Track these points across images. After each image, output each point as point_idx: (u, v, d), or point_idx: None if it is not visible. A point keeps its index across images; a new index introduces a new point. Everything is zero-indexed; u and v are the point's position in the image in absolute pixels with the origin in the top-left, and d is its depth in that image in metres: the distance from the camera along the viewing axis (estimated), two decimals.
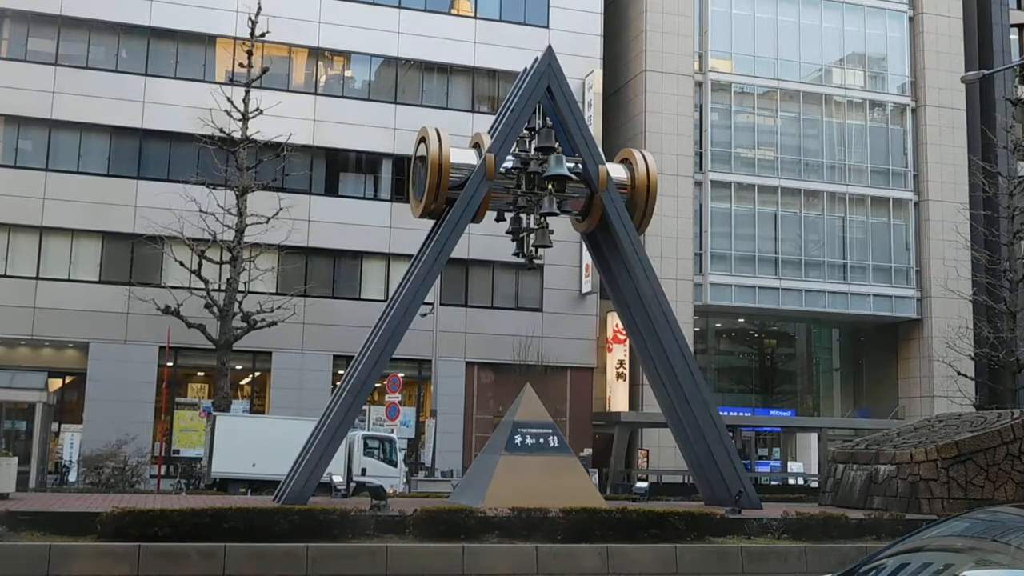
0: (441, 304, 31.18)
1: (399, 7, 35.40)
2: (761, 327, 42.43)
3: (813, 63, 39.65)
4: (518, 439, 16.38)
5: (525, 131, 17.51)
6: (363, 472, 25.66)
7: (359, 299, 33.38)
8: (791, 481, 35.33)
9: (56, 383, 31.95)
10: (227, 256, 28.03)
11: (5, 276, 31.17)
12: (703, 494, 18.37)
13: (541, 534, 13.49)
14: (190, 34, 33.38)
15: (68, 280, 31.57)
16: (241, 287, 28.02)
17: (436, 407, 30.72)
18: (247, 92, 28.46)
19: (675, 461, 33.08)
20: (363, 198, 34.74)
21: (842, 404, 42.20)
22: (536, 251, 17.84)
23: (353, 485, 23.27)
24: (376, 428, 31.09)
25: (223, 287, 27.87)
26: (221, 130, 28.30)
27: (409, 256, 20.84)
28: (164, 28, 33.08)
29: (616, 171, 18.16)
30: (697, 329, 38.08)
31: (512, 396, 19.60)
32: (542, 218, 17.36)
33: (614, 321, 34.77)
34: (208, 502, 14.06)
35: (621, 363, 36.27)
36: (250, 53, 28.84)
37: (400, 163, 33.87)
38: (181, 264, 28.30)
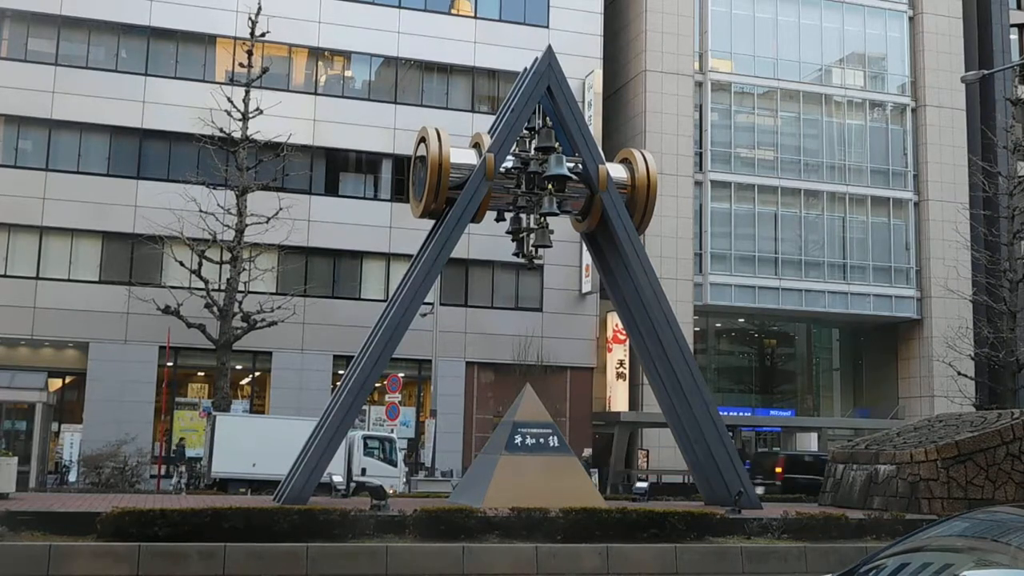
0: (441, 304, 31.18)
1: (399, 7, 35.40)
2: (761, 327, 42.43)
3: (813, 63, 39.66)
4: (518, 439, 16.37)
5: (525, 131, 17.50)
6: (363, 472, 25.65)
7: (359, 299, 33.39)
8: None
9: (56, 383, 31.96)
10: (227, 256, 28.04)
11: (5, 276, 31.17)
12: (703, 494, 18.37)
13: (541, 534, 13.48)
14: (190, 34, 33.38)
15: (68, 280, 31.57)
16: (241, 287, 28.02)
17: (436, 407, 30.73)
18: (247, 92, 28.46)
19: (675, 461, 33.09)
20: (363, 198, 34.74)
21: (842, 404, 42.20)
22: (536, 251, 17.83)
23: (353, 485, 23.29)
24: (376, 428, 31.08)
25: (223, 287, 27.88)
26: (221, 130, 28.31)
27: (409, 256, 20.84)
28: (164, 28, 33.08)
29: (616, 171, 18.16)
30: (697, 329, 38.08)
31: (512, 396, 19.59)
32: (542, 218, 17.36)
33: (614, 321, 34.77)
34: (208, 502, 14.06)
35: (621, 363, 36.27)
36: (250, 53, 28.84)
37: (400, 163, 33.87)
38: (181, 264, 28.31)
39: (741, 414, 39.18)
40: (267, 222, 28.18)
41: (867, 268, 38.84)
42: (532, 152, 17.26)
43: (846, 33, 40.04)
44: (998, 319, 31.72)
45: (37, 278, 31.35)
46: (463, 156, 17.22)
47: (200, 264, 27.55)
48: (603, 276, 19.49)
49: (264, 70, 29.71)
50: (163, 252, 29.76)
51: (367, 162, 35.35)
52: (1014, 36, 43.40)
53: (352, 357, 18.22)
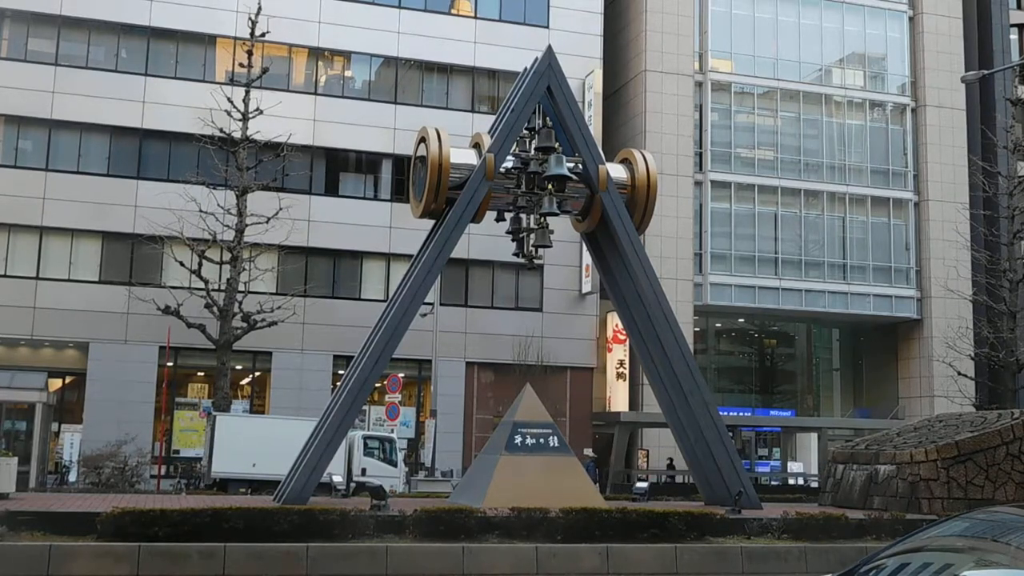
0: (441, 304, 31.18)
1: (399, 7, 35.40)
2: (761, 327, 42.43)
3: (813, 63, 39.65)
4: (518, 439, 16.37)
5: (525, 131, 17.50)
6: (363, 472, 25.67)
7: (359, 299, 33.38)
8: (791, 481, 35.30)
9: (56, 383, 31.96)
10: (227, 256, 28.04)
11: (5, 276, 31.17)
12: (703, 494, 18.37)
13: (541, 534, 13.48)
14: (190, 34, 33.38)
15: (68, 280, 31.57)
16: (241, 287, 28.03)
17: (436, 407, 30.72)
18: (247, 92, 28.47)
19: (675, 461, 33.11)
20: (363, 198, 34.74)
21: (842, 404, 42.20)
22: (536, 251, 17.83)
23: (353, 485, 23.30)
24: (376, 428, 31.09)
25: (223, 287, 27.88)
26: (221, 130, 28.31)
27: (409, 256, 20.85)
28: (164, 28, 33.08)
29: (616, 171, 18.16)
30: (697, 329, 38.07)
31: (512, 396, 19.59)
32: (542, 218, 17.36)
33: (614, 321, 34.77)
34: (208, 502, 14.06)
35: (621, 363, 36.26)
36: (250, 53, 28.84)
37: (400, 163, 33.87)
38: (181, 264, 28.31)
39: (741, 414, 39.17)
40: (267, 222, 28.18)
41: (867, 268, 38.84)
42: (532, 152, 17.25)
43: (846, 33, 40.04)
44: (998, 319, 31.71)
45: (37, 278, 31.35)
46: (463, 156, 17.22)
47: (200, 264, 27.55)
48: (603, 276, 19.49)
49: (264, 70, 29.71)
50: (163, 252, 29.76)
51: (367, 162, 35.35)
52: (1014, 36, 43.39)
53: (352, 357, 18.22)
